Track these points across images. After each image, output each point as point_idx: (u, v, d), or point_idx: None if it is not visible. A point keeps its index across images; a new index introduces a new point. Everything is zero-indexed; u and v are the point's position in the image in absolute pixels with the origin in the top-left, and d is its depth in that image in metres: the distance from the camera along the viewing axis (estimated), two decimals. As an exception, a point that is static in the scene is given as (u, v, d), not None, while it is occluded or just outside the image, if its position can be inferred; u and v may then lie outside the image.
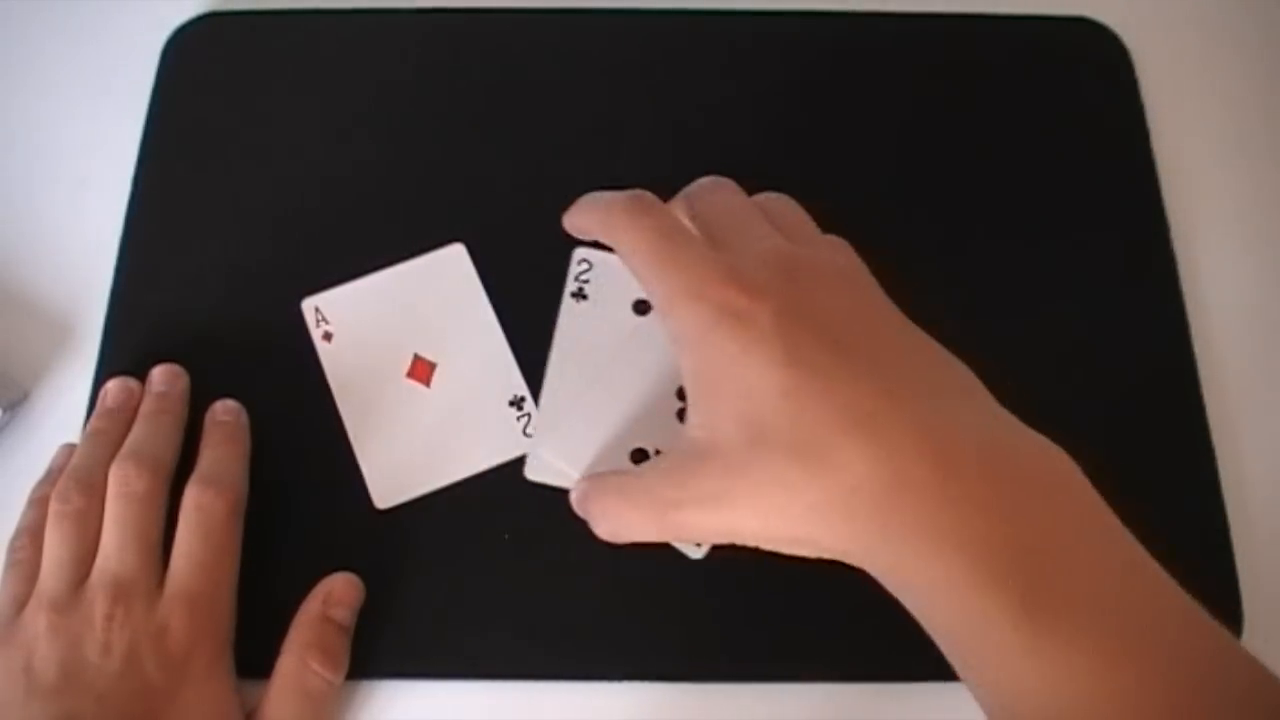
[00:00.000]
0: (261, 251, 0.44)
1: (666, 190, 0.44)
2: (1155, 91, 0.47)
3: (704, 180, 0.36)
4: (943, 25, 0.48)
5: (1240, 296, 0.44)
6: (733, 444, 0.31)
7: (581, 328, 0.40)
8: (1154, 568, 0.30)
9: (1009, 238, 0.44)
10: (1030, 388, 0.41)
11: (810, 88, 0.46)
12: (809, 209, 0.44)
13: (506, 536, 0.39)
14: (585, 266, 0.41)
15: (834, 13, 0.48)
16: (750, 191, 0.36)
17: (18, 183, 0.46)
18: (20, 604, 0.36)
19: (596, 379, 0.39)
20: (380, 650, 0.38)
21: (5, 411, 0.41)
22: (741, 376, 0.31)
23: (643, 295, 0.41)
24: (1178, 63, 0.48)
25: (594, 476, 0.35)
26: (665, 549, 0.39)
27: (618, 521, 0.34)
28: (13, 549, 0.37)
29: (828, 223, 0.44)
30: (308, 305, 0.42)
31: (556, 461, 0.37)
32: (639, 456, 0.38)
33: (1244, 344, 0.43)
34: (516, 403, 0.41)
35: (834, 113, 0.46)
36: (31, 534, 0.37)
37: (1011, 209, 0.44)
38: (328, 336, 0.42)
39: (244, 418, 0.40)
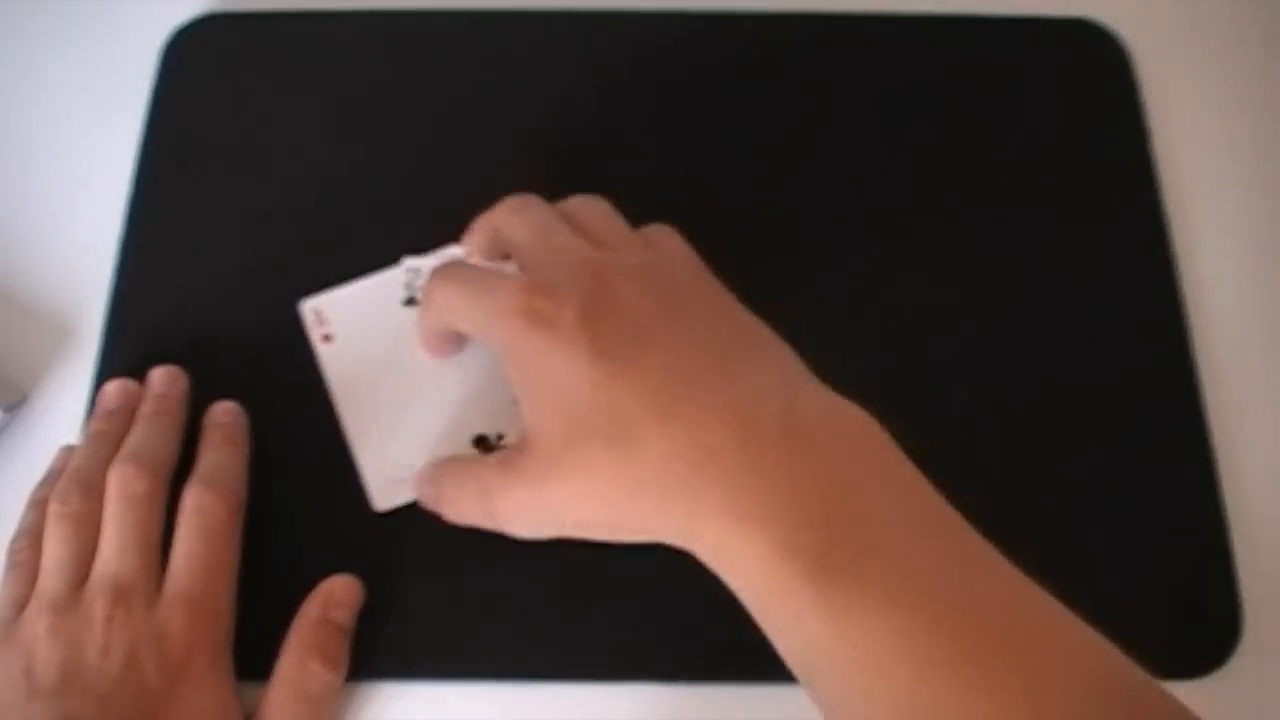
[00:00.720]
0: (261, 252, 0.44)
1: (666, 189, 0.44)
2: (1155, 91, 0.47)
3: (507, 201, 0.38)
4: (942, 25, 0.48)
5: (1240, 296, 0.44)
6: (554, 436, 0.33)
7: (413, 332, 0.41)
8: (957, 523, 0.31)
9: (1008, 238, 0.44)
10: (1030, 388, 0.42)
11: (809, 88, 0.46)
12: (808, 209, 0.44)
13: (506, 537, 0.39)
14: (415, 275, 0.42)
15: (834, 13, 0.48)
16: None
17: (17, 184, 0.46)
18: (20, 606, 0.36)
19: (426, 378, 0.40)
20: (380, 651, 0.38)
21: (5, 413, 0.41)
22: (553, 374, 0.33)
23: None
24: (1177, 63, 0.48)
25: (435, 462, 0.38)
26: (667, 551, 0.39)
27: (451, 505, 0.37)
28: (13, 551, 0.37)
29: (827, 223, 0.44)
30: (307, 307, 0.42)
31: (398, 473, 0.39)
32: (480, 442, 0.39)
33: (1244, 344, 0.43)
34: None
35: (833, 113, 0.46)
36: (32, 536, 0.37)
37: (1011, 209, 0.44)
38: (327, 338, 0.42)
39: (243, 419, 0.40)
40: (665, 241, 0.37)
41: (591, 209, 0.38)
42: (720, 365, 0.32)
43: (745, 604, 0.31)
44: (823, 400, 0.33)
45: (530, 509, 0.34)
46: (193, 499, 0.37)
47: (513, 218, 0.37)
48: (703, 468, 0.31)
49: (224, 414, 0.40)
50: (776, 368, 0.34)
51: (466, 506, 0.36)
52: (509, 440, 0.40)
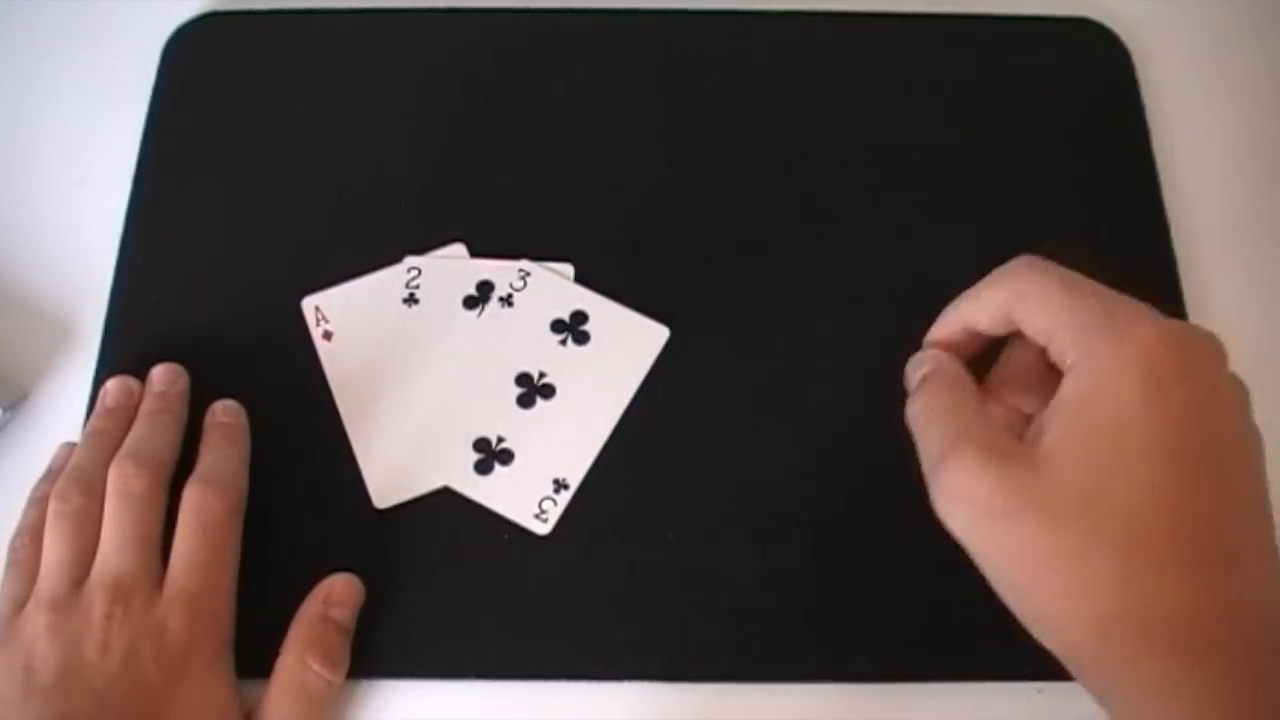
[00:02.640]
0: (261, 251, 0.44)
1: (666, 191, 0.44)
2: (1155, 91, 0.47)
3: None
4: (943, 25, 0.48)
5: (1240, 297, 0.44)
6: (1063, 482, 0.29)
7: (414, 331, 0.41)
8: None
9: (1009, 238, 0.44)
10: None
11: (810, 88, 0.46)
12: (807, 208, 0.44)
13: (506, 536, 0.39)
14: (415, 274, 0.42)
15: (834, 13, 0.48)
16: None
17: (17, 183, 0.46)
18: (20, 603, 0.36)
19: (426, 377, 0.40)
20: (380, 650, 0.38)
21: (5, 411, 0.41)
22: (1121, 432, 0.29)
23: (471, 292, 0.42)
24: (1178, 63, 0.48)
25: (940, 379, 0.33)
26: (667, 551, 0.39)
27: (920, 422, 0.33)
28: (13, 549, 0.37)
29: (827, 223, 0.44)
30: (308, 304, 0.42)
31: (398, 472, 0.39)
32: (481, 445, 0.39)
33: (1244, 344, 0.43)
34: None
35: (833, 113, 0.46)
36: (32, 533, 0.37)
37: (1011, 209, 0.44)
38: (328, 336, 0.42)
39: (244, 419, 0.40)
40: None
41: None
42: (1215, 550, 0.29)
43: None
44: None
45: (980, 515, 0.30)
46: (192, 497, 0.37)
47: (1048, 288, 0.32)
48: (1150, 637, 0.28)
49: (225, 413, 0.40)
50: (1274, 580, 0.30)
51: (927, 445, 0.32)
52: (509, 444, 0.40)
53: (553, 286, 0.42)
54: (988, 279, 0.33)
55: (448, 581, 0.39)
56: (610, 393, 0.41)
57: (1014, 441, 0.30)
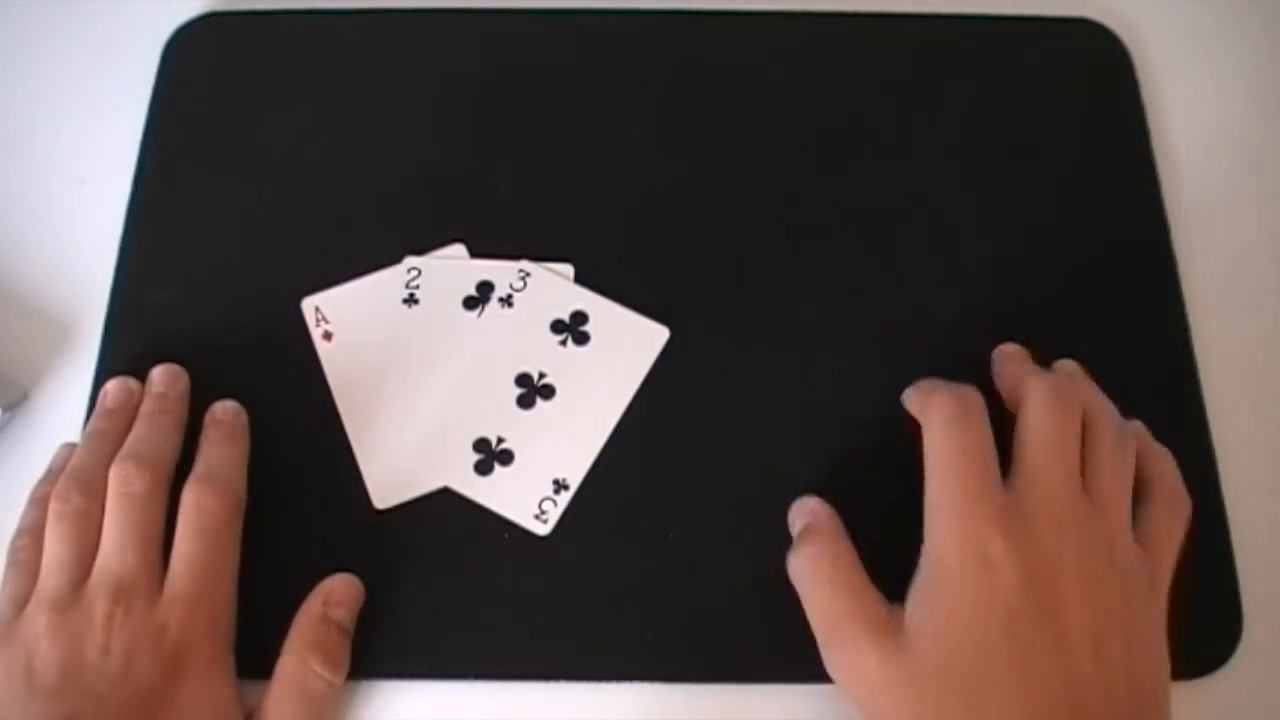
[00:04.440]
0: (262, 251, 0.44)
1: (666, 192, 0.44)
2: (1155, 91, 0.47)
3: (1043, 383, 0.36)
4: (943, 25, 0.48)
5: (1241, 297, 0.44)
6: (921, 655, 0.33)
7: (414, 331, 0.41)
8: None
9: (1008, 238, 0.44)
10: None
11: (810, 88, 0.46)
12: (807, 208, 0.44)
13: (506, 536, 0.39)
14: (415, 274, 0.42)
15: (834, 13, 0.48)
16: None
17: (18, 183, 0.46)
18: (21, 603, 0.36)
19: (426, 378, 0.40)
20: (380, 650, 0.38)
21: (5, 411, 0.41)
22: (958, 605, 0.33)
23: (471, 292, 0.42)
24: (1178, 63, 0.48)
25: (828, 529, 0.37)
26: (668, 551, 0.39)
27: (807, 584, 0.36)
28: (14, 549, 0.37)
29: (826, 223, 0.44)
30: (307, 305, 0.42)
31: (398, 473, 0.39)
32: (481, 445, 0.39)
33: (1244, 344, 0.43)
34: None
35: (833, 113, 0.46)
36: (33, 534, 0.37)
37: (1011, 209, 0.44)
38: (327, 336, 0.42)
39: (243, 418, 0.40)
40: (1163, 508, 0.36)
41: (1111, 439, 0.36)
42: (1083, 706, 0.32)
43: None
44: None
45: (865, 685, 0.34)
46: (192, 497, 0.37)
47: (1039, 411, 0.36)
48: None
49: (224, 412, 0.40)
50: None
51: (815, 595, 0.36)
52: (509, 445, 0.40)
53: (553, 287, 0.42)
54: (927, 400, 0.36)
55: (448, 582, 0.39)
56: (610, 393, 0.41)
57: (889, 614, 0.34)
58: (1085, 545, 0.33)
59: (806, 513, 0.38)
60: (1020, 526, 0.33)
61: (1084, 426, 0.36)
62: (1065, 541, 0.33)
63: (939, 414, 0.35)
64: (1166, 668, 0.34)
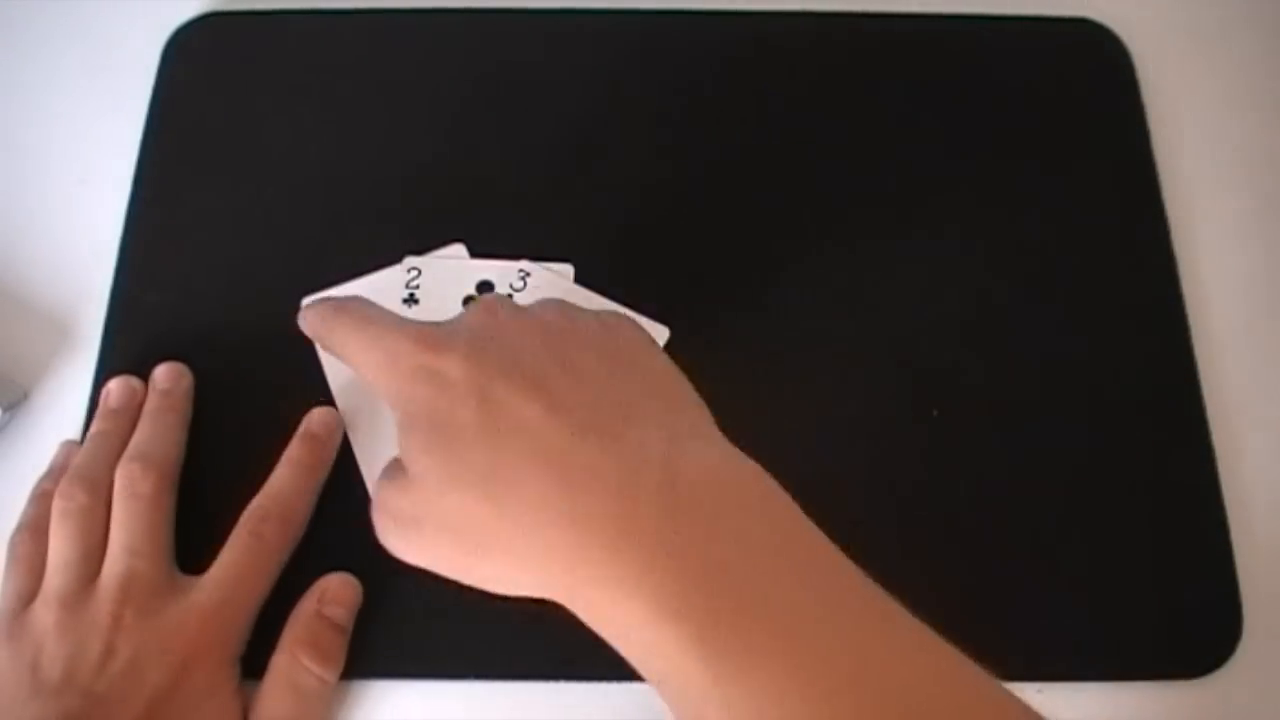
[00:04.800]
0: (262, 251, 0.44)
1: (665, 192, 0.44)
2: (1155, 91, 0.47)
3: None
4: (942, 25, 0.48)
5: (1240, 297, 0.44)
6: (429, 476, 0.30)
7: None
8: (855, 580, 0.29)
9: (1008, 238, 0.44)
10: (1030, 387, 0.42)
11: (809, 88, 0.46)
12: (806, 208, 0.44)
13: (506, 536, 0.39)
14: (415, 274, 0.42)
15: (834, 13, 0.48)
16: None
17: (18, 183, 0.46)
18: (25, 599, 0.36)
19: None
20: (378, 650, 0.38)
21: (5, 411, 0.41)
22: (437, 422, 0.30)
23: (471, 292, 0.42)
24: (1178, 63, 0.48)
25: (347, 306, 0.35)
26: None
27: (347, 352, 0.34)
28: (14, 544, 0.37)
29: (825, 222, 0.44)
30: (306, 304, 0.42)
31: None
32: None
33: (1244, 344, 0.43)
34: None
35: (833, 113, 0.46)
36: (33, 530, 0.37)
37: (1011, 209, 0.44)
38: (327, 336, 0.42)
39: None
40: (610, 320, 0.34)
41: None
42: (606, 419, 0.30)
43: (638, 669, 0.29)
44: (709, 456, 0.30)
45: (413, 553, 0.32)
46: (255, 524, 0.37)
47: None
48: (581, 529, 0.29)
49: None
50: (668, 420, 0.31)
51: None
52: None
53: (553, 287, 0.42)
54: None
55: (447, 581, 0.38)
56: None
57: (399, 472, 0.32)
58: (507, 313, 0.33)
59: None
60: (445, 335, 0.32)
61: None
62: (490, 318, 0.32)
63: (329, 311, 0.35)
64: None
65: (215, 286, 0.43)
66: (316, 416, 0.40)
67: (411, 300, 0.42)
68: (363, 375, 0.33)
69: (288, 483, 0.38)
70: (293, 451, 0.39)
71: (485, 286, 0.42)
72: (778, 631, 0.27)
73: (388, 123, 0.46)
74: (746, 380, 0.41)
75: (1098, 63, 0.47)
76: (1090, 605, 0.38)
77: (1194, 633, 0.37)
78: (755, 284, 0.43)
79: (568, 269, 0.43)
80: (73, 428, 0.41)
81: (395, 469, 0.32)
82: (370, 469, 0.40)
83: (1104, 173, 0.45)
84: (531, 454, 0.29)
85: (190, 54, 0.47)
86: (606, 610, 0.29)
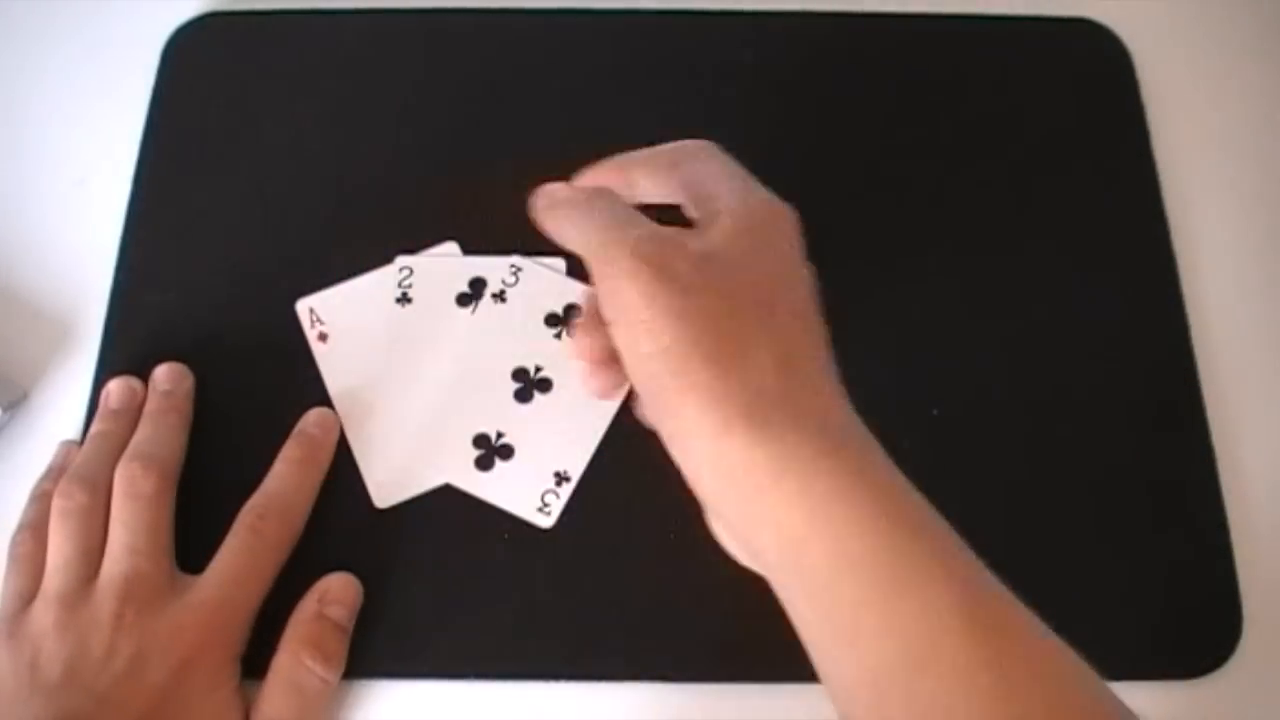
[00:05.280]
0: (261, 251, 0.44)
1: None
2: (1155, 91, 0.47)
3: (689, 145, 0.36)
4: (942, 25, 0.48)
5: (1240, 297, 0.44)
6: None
7: (408, 330, 0.41)
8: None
9: (1008, 238, 0.44)
10: (1030, 388, 0.42)
11: (809, 88, 0.46)
12: (806, 209, 0.44)
13: (506, 536, 0.39)
14: (407, 273, 0.42)
15: (834, 13, 0.48)
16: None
17: (18, 183, 0.46)
18: (25, 599, 0.36)
19: (423, 376, 0.40)
20: (379, 650, 0.38)
21: (5, 411, 0.41)
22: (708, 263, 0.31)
23: (464, 289, 0.42)
24: (1178, 63, 0.48)
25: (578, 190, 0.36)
26: (670, 552, 0.39)
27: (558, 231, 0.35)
28: (14, 544, 0.37)
29: (822, 219, 0.44)
30: (302, 306, 0.42)
31: (398, 471, 0.39)
32: (481, 441, 0.40)
33: (1244, 344, 0.43)
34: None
35: (833, 113, 0.46)
36: (33, 529, 0.37)
37: (1011, 209, 0.44)
38: (323, 337, 0.42)
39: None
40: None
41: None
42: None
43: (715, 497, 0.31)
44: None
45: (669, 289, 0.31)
46: (252, 520, 0.37)
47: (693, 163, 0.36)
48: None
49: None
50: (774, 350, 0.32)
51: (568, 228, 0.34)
52: (509, 439, 0.40)
53: (545, 280, 0.42)
54: (667, 159, 0.36)
55: (447, 581, 0.39)
56: None
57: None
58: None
59: (544, 195, 0.36)
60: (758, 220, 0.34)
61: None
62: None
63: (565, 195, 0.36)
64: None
65: (215, 285, 0.43)
66: (313, 416, 0.40)
67: (405, 299, 0.42)
68: (584, 241, 0.33)
69: (285, 480, 0.38)
70: (289, 449, 0.39)
71: (478, 283, 0.42)
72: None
73: (387, 122, 0.46)
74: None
75: (1098, 63, 0.47)
76: (1090, 605, 0.38)
77: (1194, 633, 0.37)
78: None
79: (559, 263, 0.43)
80: (73, 428, 0.41)
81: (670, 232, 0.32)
82: (370, 469, 0.40)
83: (1104, 173, 0.45)
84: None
85: (190, 54, 0.47)
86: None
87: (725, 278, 0.31)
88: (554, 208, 0.35)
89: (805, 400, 0.30)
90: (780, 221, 0.35)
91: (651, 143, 0.45)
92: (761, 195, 0.35)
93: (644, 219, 0.33)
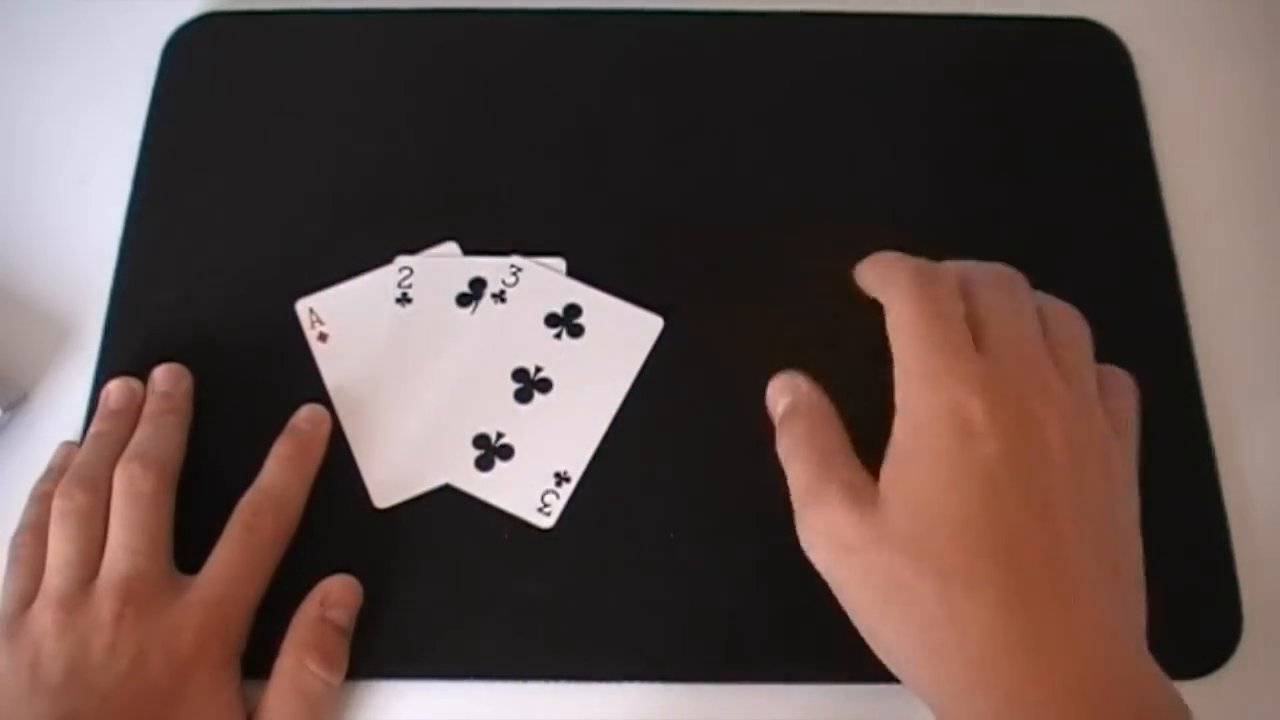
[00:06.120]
0: (261, 251, 0.44)
1: (657, 186, 0.44)
2: (1155, 91, 0.47)
3: (988, 270, 0.35)
4: (942, 25, 0.48)
5: (1240, 297, 0.44)
6: (895, 520, 0.31)
7: (407, 330, 0.41)
8: None
9: (1008, 238, 0.44)
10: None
11: (809, 88, 0.46)
12: (806, 208, 0.44)
13: (506, 536, 0.39)
14: (407, 273, 0.42)
15: (834, 13, 0.48)
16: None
17: (18, 183, 0.46)
18: (25, 600, 0.36)
19: (423, 376, 0.40)
20: (380, 650, 0.38)
21: (5, 411, 0.41)
22: (936, 472, 0.31)
23: (464, 289, 0.42)
24: (1178, 63, 0.48)
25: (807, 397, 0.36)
26: (667, 549, 0.39)
27: (788, 458, 0.34)
28: (14, 545, 0.37)
29: (822, 218, 0.44)
30: (301, 306, 0.42)
31: (398, 471, 0.39)
32: (481, 441, 0.39)
33: (1244, 344, 0.43)
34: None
35: (833, 113, 0.46)
36: (34, 531, 0.37)
37: (1011, 209, 0.44)
38: (323, 337, 0.42)
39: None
40: (1119, 397, 0.34)
41: (1068, 324, 0.35)
42: (1078, 592, 0.30)
43: None
44: (1136, 671, 0.30)
45: (836, 549, 0.32)
46: (247, 516, 0.37)
47: (993, 294, 0.34)
48: (991, 669, 0.29)
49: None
50: (1113, 611, 0.30)
51: (794, 465, 0.34)
52: (509, 439, 0.40)
53: (545, 281, 0.42)
54: (888, 271, 0.35)
55: (448, 581, 0.39)
56: (607, 384, 0.41)
57: (869, 480, 0.32)
58: (1069, 415, 0.31)
59: (789, 389, 0.36)
60: (1002, 391, 0.31)
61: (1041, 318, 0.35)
62: (1051, 410, 0.31)
63: (904, 282, 0.34)
64: (1139, 551, 0.32)
65: (215, 285, 0.43)
66: (303, 412, 0.40)
67: (405, 299, 0.42)
68: (901, 359, 0.33)
69: (277, 476, 0.38)
70: (280, 446, 0.39)
71: (478, 283, 0.42)
72: None
73: (387, 122, 0.46)
74: (743, 367, 0.41)
75: (1098, 63, 0.47)
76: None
77: (1194, 633, 0.37)
78: (749, 272, 0.43)
79: (559, 263, 0.43)
80: (73, 428, 0.41)
81: (848, 478, 0.32)
82: (370, 469, 0.40)
83: (1104, 173, 0.45)
84: (1003, 574, 0.29)
85: (190, 54, 0.47)
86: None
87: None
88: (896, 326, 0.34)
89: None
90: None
91: (651, 142, 0.45)
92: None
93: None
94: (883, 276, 0.35)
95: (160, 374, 0.40)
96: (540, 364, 0.41)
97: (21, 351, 0.42)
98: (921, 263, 0.35)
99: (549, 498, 0.39)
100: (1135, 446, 0.34)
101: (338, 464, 0.40)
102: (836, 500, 0.32)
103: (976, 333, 0.33)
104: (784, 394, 0.36)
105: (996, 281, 0.35)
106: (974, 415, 0.31)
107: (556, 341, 0.41)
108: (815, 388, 0.36)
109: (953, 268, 0.35)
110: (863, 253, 0.43)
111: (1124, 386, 0.35)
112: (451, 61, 0.47)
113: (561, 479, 0.39)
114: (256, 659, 0.36)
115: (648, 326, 0.42)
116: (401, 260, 0.42)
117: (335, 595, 0.37)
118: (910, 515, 0.31)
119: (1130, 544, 0.32)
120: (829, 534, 0.32)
